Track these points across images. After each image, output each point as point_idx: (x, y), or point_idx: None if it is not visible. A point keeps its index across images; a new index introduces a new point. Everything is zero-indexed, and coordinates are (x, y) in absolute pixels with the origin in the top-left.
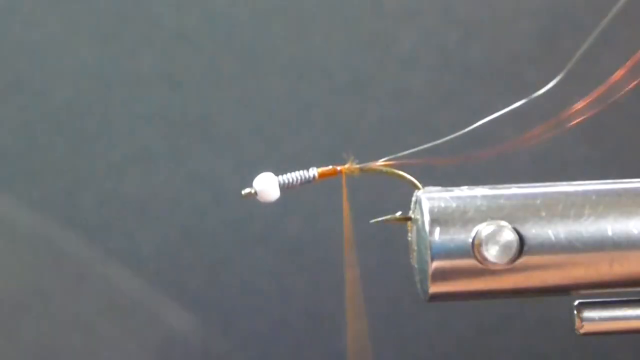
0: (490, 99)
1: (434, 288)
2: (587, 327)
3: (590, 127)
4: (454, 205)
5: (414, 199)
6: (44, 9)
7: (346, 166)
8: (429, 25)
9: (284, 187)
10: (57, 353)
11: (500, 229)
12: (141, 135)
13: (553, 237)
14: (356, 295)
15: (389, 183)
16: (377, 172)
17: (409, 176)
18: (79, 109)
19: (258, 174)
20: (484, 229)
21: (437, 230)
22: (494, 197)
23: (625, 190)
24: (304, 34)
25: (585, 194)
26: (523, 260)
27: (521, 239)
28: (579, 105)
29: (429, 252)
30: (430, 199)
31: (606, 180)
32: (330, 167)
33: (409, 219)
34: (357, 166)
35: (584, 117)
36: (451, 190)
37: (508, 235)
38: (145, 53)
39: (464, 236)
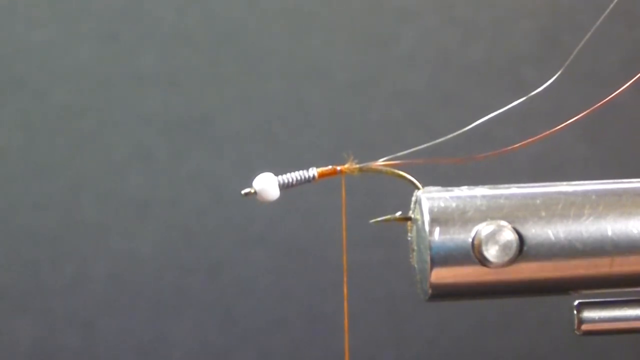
0: (490, 99)
1: (434, 287)
2: (587, 327)
3: (590, 126)
4: (453, 205)
5: (413, 198)
6: (44, 9)
7: (346, 166)
8: (429, 25)
9: (283, 187)
10: (57, 352)
11: (500, 228)
12: (141, 135)
13: (553, 237)
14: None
15: (389, 183)
16: (377, 172)
17: (409, 176)
18: (79, 109)
19: (258, 174)
20: (484, 228)
21: (437, 230)
22: (494, 196)
23: (625, 190)
24: (304, 34)
25: (585, 194)
26: (523, 260)
27: (521, 239)
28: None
29: (428, 252)
30: (430, 198)
31: (606, 180)
32: (330, 167)
33: (409, 219)
34: (357, 166)
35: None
36: (451, 190)
37: (508, 235)
38: (145, 53)
39: (464, 236)
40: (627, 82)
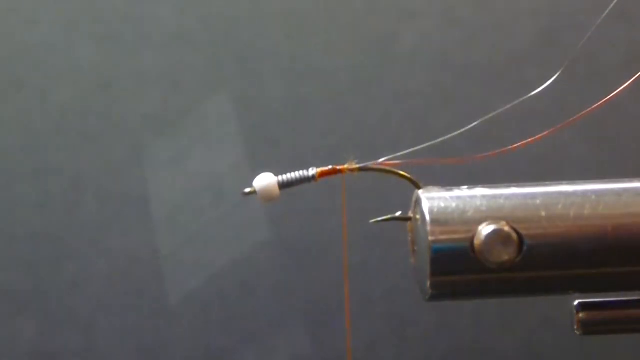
0: (490, 99)
1: (434, 287)
2: (587, 327)
3: (590, 127)
4: (453, 205)
5: (413, 198)
6: (44, 9)
7: (346, 166)
8: (429, 25)
9: (283, 187)
10: (57, 352)
11: (500, 228)
12: (141, 135)
13: (553, 237)
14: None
15: (389, 183)
16: (377, 172)
17: (409, 176)
18: (79, 109)
19: (258, 174)
20: (484, 228)
21: (437, 230)
22: (494, 197)
23: (625, 190)
24: (304, 34)
25: (585, 194)
26: (523, 260)
27: (521, 239)
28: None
29: (428, 252)
30: (430, 198)
31: (606, 180)
32: (330, 166)
33: (409, 218)
34: (357, 166)
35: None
36: (451, 190)
37: (508, 235)
38: (145, 53)
39: (464, 236)
40: (627, 82)
